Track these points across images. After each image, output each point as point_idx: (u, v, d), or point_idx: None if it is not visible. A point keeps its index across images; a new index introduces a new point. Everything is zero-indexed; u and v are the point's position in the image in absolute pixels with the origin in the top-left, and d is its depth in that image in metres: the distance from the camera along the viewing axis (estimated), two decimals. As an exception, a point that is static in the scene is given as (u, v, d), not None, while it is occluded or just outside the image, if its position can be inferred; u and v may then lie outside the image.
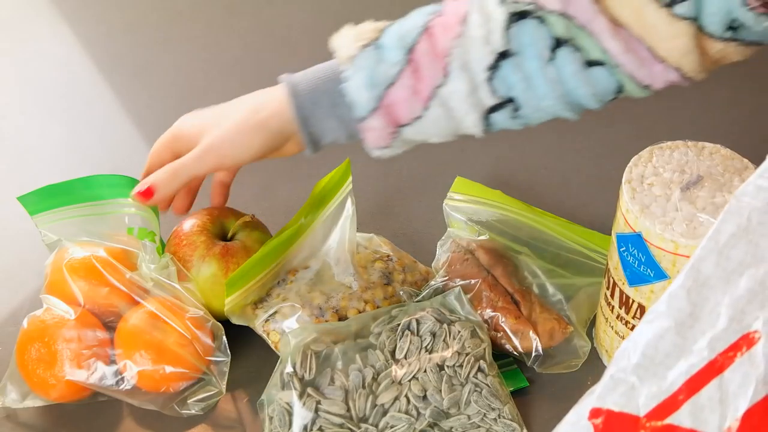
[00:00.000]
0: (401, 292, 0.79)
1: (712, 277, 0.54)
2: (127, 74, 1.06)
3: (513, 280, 0.79)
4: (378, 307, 0.78)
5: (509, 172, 0.94)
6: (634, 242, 0.68)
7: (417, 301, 0.78)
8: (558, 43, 0.68)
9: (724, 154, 0.71)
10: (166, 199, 0.75)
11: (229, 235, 0.81)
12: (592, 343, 0.79)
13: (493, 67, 0.68)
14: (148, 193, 0.74)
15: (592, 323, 0.80)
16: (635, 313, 0.72)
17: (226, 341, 0.76)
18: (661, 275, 0.68)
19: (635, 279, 0.70)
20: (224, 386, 0.76)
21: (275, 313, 0.77)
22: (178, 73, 1.05)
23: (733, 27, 0.65)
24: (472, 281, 0.78)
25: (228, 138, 0.73)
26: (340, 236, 0.81)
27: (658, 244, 0.67)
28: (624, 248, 0.70)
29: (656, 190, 0.68)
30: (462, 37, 0.68)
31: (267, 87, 1.02)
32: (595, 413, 0.56)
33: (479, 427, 0.72)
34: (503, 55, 0.68)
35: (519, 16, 0.68)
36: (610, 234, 0.73)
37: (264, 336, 0.77)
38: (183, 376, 0.75)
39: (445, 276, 0.80)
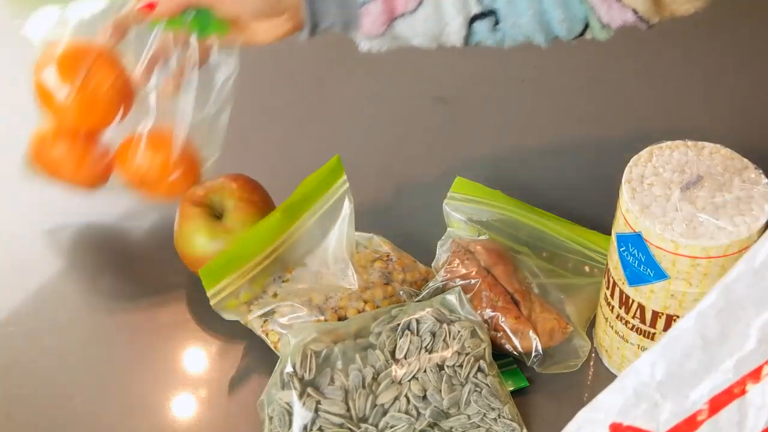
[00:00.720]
0: (401, 292, 0.79)
1: (746, 298, 0.54)
2: (127, 74, 1.06)
3: (513, 279, 0.79)
4: (378, 307, 0.78)
5: (509, 172, 0.94)
6: (634, 242, 0.68)
7: (417, 301, 0.78)
8: None
9: (724, 154, 0.71)
10: (165, 14, 0.77)
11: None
12: (592, 343, 0.79)
13: None
14: (150, 5, 0.76)
15: (592, 323, 0.80)
16: (635, 313, 0.72)
17: None
18: (661, 275, 0.68)
19: (635, 279, 0.70)
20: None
21: (273, 312, 0.77)
22: (178, 73, 1.05)
23: None
24: (472, 281, 0.78)
25: None
26: (338, 235, 0.81)
27: (658, 243, 0.67)
28: (624, 248, 0.70)
29: (656, 190, 0.68)
30: None
31: (267, 88, 1.03)
32: (615, 428, 0.56)
33: (479, 427, 0.72)
34: None
35: None
36: (610, 234, 0.73)
37: (263, 336, 0.77)
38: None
39: (445, 276, 0.80)
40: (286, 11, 0.78)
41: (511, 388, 0.75)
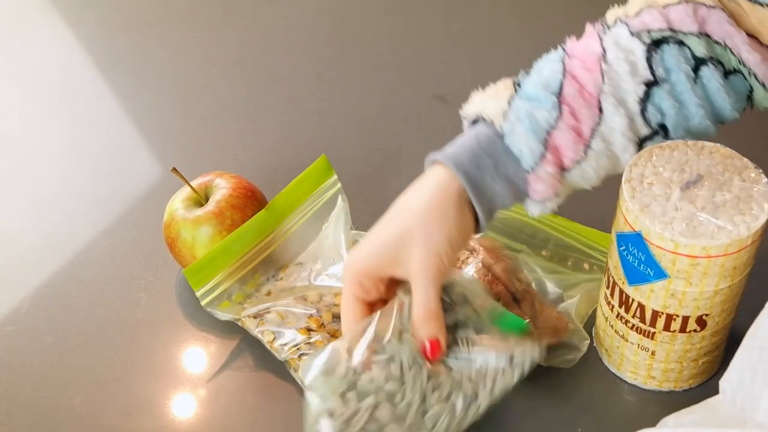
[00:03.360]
0: (400, 293, 0.79)
1: None
2: (127, 74, 1.06)
3: (513, 278, 0.79)
4: None
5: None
6: (634, 241, 0.68)
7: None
8: (701, 61, 0.69)
9: (724, 153, 0.71)
10: (442, 344, 0.67)
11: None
12: (592, 342, 0.79)
13: (645, 98, 0.69)
14: (434, 353, 0.66)
15: (591, 319, 0.80)
16: (635, 312, 0.72)
17: None
18: (660, 274, 0.68)
19: (635, 278, 0.70)
20: None
21: (268, 311, 0.77)
22: (178, 73, 1.05)
23: None
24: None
25: (435, 240, 0.65)
26: (333, 234, 0.81)
27: (658, 243, 0.67)
28: (624, 247, 0.69)
29: (656, 190, 0.68)
30: (608, 74, 0.69)
31: (266, 87, 1.03)
32: None
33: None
34: (652, 84, 0.69)
35: (657, 43, 0.69)
36: (609, 232, 0.73)
37: (258, 336, 0.77)
38: None
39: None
40: (468, 231, 0.69)
41: (513, 330, 0.70)
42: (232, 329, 0.80)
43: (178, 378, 0.79)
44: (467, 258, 0.80)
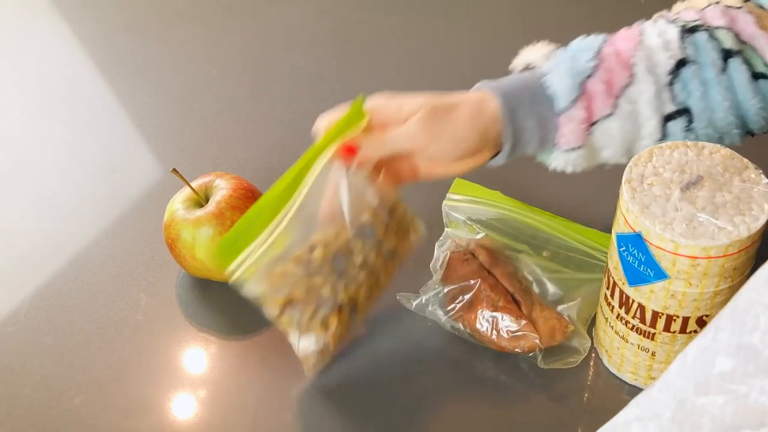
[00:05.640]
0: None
1: None
2: (127, 74, 1.06)
3: (513, 279, 0.79)
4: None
5: (509, 172, 0.93)
6: (634, 242, 0.68)
7: (417, 305, 0.78)
8: (728, 54, 0.73)
9: (724, 153, 0.71)
10: (366, 162, 0.73)
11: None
12: (592, 342, 0.79)
13: (674, 72, 0.74)
14: (350, 150, 0.72)
15: (593, 321, 0.80)
16: (635, 313, 0.72)
17: None
18: (660, 275, 0.68)
19: (635, 279, 0.70)
20: None
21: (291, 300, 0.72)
22: (178, 73, 1.05)
23: None
24: (473, 281, 0.78)
25: (453, 126, 0.73)
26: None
27: (658, 243, 0.67)
28: (624, 248, 0.70)
29: (656, 190, 0.68)
30: (642, 44, 0.74)
31: (267, 86, 1.03)
32: None
33: None
34: (682, 63, 0.73)
35: (690, 30, 0.74)
36: (610, 233, 0.73)
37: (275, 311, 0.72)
38: None
39: (445, 275, 0.80)
40: (486, 146, 0.75)
41: None
42: (232, 330, 0.80)
43: (178, 378, 0.79)
44: (467, 259, 0.80)
